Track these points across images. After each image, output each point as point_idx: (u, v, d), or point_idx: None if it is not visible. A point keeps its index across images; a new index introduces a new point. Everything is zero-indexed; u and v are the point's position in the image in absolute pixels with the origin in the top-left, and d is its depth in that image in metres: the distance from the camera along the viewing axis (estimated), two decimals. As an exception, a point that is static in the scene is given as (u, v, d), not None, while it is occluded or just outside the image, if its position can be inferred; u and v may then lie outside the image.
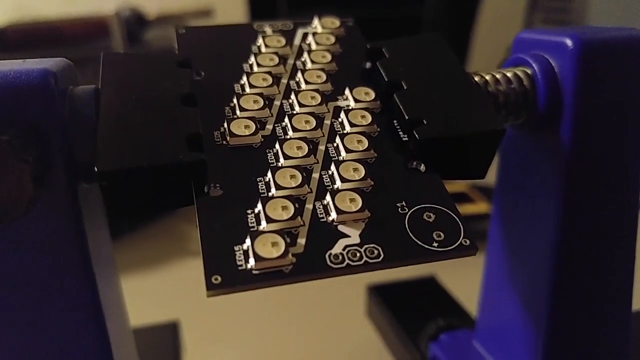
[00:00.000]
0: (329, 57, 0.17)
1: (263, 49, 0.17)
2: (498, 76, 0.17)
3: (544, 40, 0.17)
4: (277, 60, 0.17)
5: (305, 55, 0.17)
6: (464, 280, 0.26)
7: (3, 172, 0.11)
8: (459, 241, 0.13)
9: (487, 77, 0.17)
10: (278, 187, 0.13)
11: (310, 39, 0.18)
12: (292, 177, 0.14)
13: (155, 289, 0.36)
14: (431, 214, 0.13)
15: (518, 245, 0.20)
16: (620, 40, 0.17)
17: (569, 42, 0.16)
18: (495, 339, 0.22)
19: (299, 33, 0.18)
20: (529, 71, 0.17)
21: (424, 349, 0.24)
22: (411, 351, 0.25)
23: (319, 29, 0.18)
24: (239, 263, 0.12)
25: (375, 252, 0.12)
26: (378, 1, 0.64)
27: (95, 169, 0.12)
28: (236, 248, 0.12)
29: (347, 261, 0.12)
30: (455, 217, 0.13)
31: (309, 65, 0.17)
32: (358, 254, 0.12)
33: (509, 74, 0.17)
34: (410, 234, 0.13)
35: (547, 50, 0.17)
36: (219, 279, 0.12)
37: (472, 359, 0.22)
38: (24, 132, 0.12)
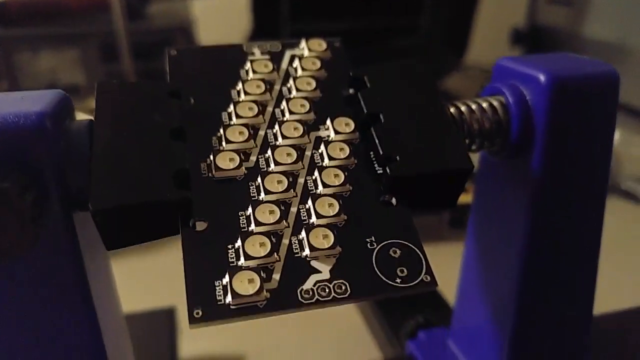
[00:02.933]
0: (313, 84, 0.18)
1: (250, 75, 0.18)
2: (473, 106, 0.18)
3: (520, 71, 0.18)
4: (263, 87, 0.18)
5: (291, 81, 0.18)
6: (452, 274, 0.27)
7: (6, 217, 0.12)
8: (420, 277, 0.14)
9: (463, 108, 0.18)
10: (257, 223, 0.14)
11: (296, 62, 0.19)
12: (271, 212, 0.15)
13: (153, 274, 0.37)
14: (397, 250, 0.15)
15: (490, 256, 0.21)
16: (590, 76, 0.17)
17: (542, 78, 0.17)
18: (467, 340, 0.23)
19: (287, 55, 0.19)
20: (504, 101, 0.18)
21: (402, 344, 0.26)
22: (394, 346, 0.27)
23: (306, 52, 0.19)
24: (218, 298, 0.13)
25: (343, 287, 0.14)
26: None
27: (89, 207, 0.14)
28: (216, 283, 0.13)
29: (316, 297, 0.13)
30: (419, 254, 0.15)
31: (293, 93, 0.18)
32: (327, 290, 0.14)
33: (484, 104, 0.18)
34: (377, 269, 0.14)
35: (522, 82, 0.18)
36: (200, 312, 0.13)
37: (445, 358, 0.24)
38: (23, 174, 0.13)
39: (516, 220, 0.19)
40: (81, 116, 0.51)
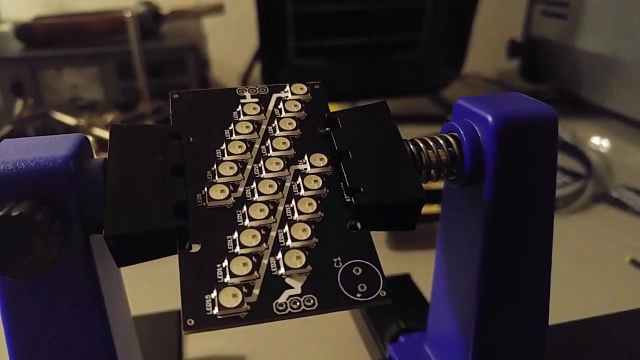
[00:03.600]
0: (294, 124, 0.21)
1: (241, 116, 0.21)
2: (431, 142, 0.21)
3: (473, 111, 0.21)
4: (251, 127, 0.21)
5: (275, 122, 0.21)
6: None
7: (38, 244, 0.16)
8: (378, 292, 0.17)
9: (421, 144, 0.21)
10: (242, 246, 0.18)
11: (280, 105, 0.22)
12: (254, 236, 0.18)
13: (160, 280, 0.41)
14: (359, 268, 0.17)
15: (454, 267, 0.24)
16: (532, 117, 0.20)
17: (489, 118, 0.20)
18: (439, 345, 0.26)
19: (273, 98, 0.22)
20: (458, 137, 0.21)
21: (386, 347, 0.29)
22: (379, 347, 0.30)
23: (289, 95, 0.22)
24: (207, 309, 0.16)
25: (312, 301, 0.17)
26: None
27: (103, 234, 0.17)
28: (206, 297, 0.16)
29: (289, 309, 0.16)
30: (378, 272, 0.17)
31: (277, 132, 0.21)
32: (298, 303, 0.17)
33: (441, 140, 0.21)
34: (341, 286, 0.17)
35: (475, 121, 0.21)
36: (192, 322, 0.16)
37: (420, 361, 0.27)
38: (51, 206, 0.17)
39: (474, 237, 0.22)
40: (98, 130, 0.54)
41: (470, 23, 0.68)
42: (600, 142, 0.65)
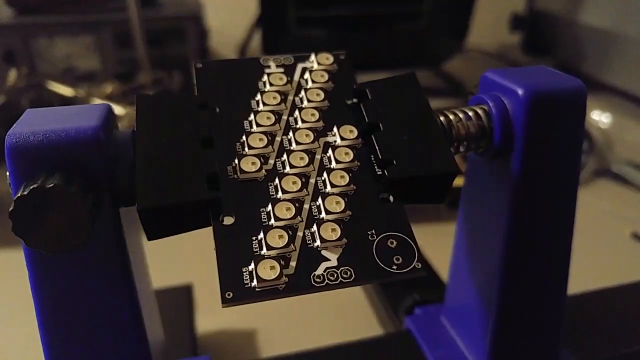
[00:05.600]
0: (322, 95, 0.21)
1: (267, 87, 0.21)
2: (461, 115, 0.21)
3: (502, 84, 0.21)
4: (279, 99, 0.20)
5: (303, 92, 0.21)
6: (449, 252, 0.30)
7: (73, 216, 0.15)
8: (413, 265, 0.17)
9: (451, 117, 0.20)
10: (277, 219, 0.17)
11: (307, 75, 0.21)
12: (288, 209, 0.18)
13: (169, 254, 0.40)
14: (394, 241, 0.17)
15: (477, 240, 0.24)
16: (562, 90, 0.20)
17: (520, 91, 0.20)
18: (457, 316, 0.26)
19: (299, 68, 0.22)
20: (487, 110, 0.21)
21: (401, 320, 0.29)
22: (392, 319, 0.30)
23: (315, 66, 0.22)
24: (245, 282, 0.16)
25: (349, 273, 0.17)
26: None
27: (136, 206, 0.16)
28: (244, 270, 0.16)
29: (326, 281, 0.16)
30: (412, 244, 0.17)
31: (305, 103, 0.20)
32: (335, 275, 0.17)
33: (470, 112, 0.21)
34: (376, 257, 0.17)
35: (504, 93, 0.21)
36: (231, 294, 0.16)
37: (439, 333, 0.27)
38: (83, 178, 0.16)
39: (499, 209, 0.22)
40: (97, 101, 0.54)
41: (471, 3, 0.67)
42: (600, 118, 0.65)
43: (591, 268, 0.41)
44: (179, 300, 0.34)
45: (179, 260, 0.40)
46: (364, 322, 0.34)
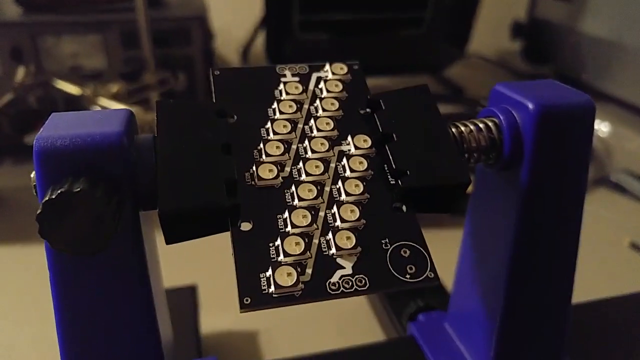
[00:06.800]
0: (336, 104, 0.21)
1: (284, 95, 0.21)
2: (472, 127, 0.21)
3: (513, 98, 0.21)
4: (295, 107, 0.21)
5: (318, 102, 0.21)
6: (452, 259, 0.31)
7: (98, 220, 0.16)
8: (426, 274, 0.17)
9: (463, 128, 0.21)
10: (293, 226, 0.18)
11: (322, 84, 0.22)
12: (304, 216, 0.18)
13: (174, 255, 0.41)
14: (407, 250, 0.18)
15: (483, 250, 0.25)
16: (571, 105, 0.20)
17: (530, 105, 0.20)
18: (461, 323, 0.27)
19: (314, 77, 0.22)
20: (498, 122, 0.21)
21: (404, 326, 0.29)
22: (395, 326, 0.30)
23: (330, 75, 0.22)
24: (263, 288, 0.17)
25: (363, 281, 0.17)
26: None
27: (158, 210, 0.17)
28: (261, 275, 0.17)
29: (341, 288, 0.17)
30: (425, 254, 0.18)
31: (320, 112, 0.21)
32: (350, 283, 0.17)
33: (481, 125, 0.21)
34: (390, 266, 0.17)
35: (514, 107, 0.21)
36: (249, 300, 0.16)
37: (442, 339, 0.27)
38: (107, 182, 0.17)
39: (507, 220, 0.22)
40: (103, 102, 0.53)
41: (475, 2, 0.68)
42: (599, 127, 0.66)
43: (589, 278, 0.41)
44: (184, 300, 0.34)
45: (184, 261, 0.41)
46: (368, 328, 0.34)
